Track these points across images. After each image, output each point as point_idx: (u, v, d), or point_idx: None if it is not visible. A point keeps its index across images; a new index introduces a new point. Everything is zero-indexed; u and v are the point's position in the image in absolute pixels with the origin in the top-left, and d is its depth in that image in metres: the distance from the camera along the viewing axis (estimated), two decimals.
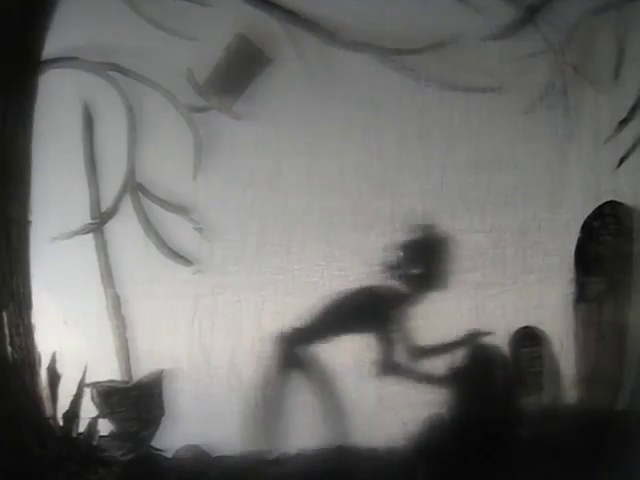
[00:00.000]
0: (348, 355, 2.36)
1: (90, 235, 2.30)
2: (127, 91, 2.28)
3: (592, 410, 2.40)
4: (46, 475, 2.25)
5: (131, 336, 2.30)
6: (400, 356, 2.36)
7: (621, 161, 2.42)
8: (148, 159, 2.31)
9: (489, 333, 2.38)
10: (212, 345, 2.30)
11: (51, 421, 2.27)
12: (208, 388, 2.30)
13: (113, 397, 2.30)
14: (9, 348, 2.21)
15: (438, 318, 2.37)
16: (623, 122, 2.42)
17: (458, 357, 2.37)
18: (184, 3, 2.28)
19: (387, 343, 2.36)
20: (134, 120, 2.29)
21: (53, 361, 2.27)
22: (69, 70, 2.26)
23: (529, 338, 2.40)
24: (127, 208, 2.30)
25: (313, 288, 2.34)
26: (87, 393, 2.30)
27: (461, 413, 2.38)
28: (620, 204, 2.43)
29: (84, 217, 2.30)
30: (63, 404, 2.28)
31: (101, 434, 2.30)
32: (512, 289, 2.39)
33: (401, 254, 2.36)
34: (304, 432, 2.34)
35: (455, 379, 2.37)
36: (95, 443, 2.29)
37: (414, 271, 2.38)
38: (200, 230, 2.31)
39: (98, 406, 2.30)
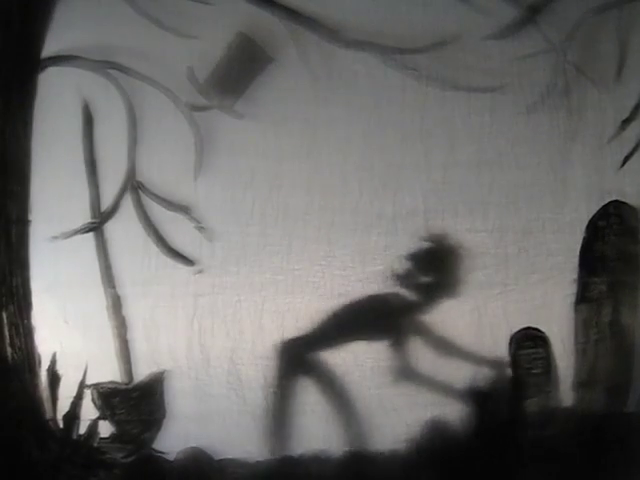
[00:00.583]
0: (350, 357, 2.38)
1: (90, 234, 2.32)
2: (128, 90, 2.31)
3: (598, 413, 2.41)
4: (46, 478, 2.26)
5: (131, 336, 2.32)
6: (418, 358, 2.38)
7: (625, 160, 2.44)
8: (149, 158, 2.33)
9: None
10: (212, 345, 2.32)
11: (51, 423, 2.28)
12: (207, 388, 2.31)
13: (114, 398, 2.31)
14: (9, 349, 2.22)
15: (439, 318, 2.39)
16: (626, 121, 2.44)
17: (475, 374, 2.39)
18: (185, 1, 2.31)
19: (401, 349, 2.37)
20: (134, 119, 2.31)
21: (53, 362, 2.29)
22: (69, 69, 2.29)
23: (531, 339, 2.41)
24: (127, 207, 2.32)
25: (314, 288, 2.36)
26: (87, 394, 2.31)
27: (465, 417, 2.40)
28: (624, 204, 2.45)
29: (84, 216, 2.32)
30: (63, 405, 2.29)
31: (102, 436, 2.31)
32: (515, 289, 2.40)
33: (411, 263, 2.38)
34: (311, 436, 2.36)
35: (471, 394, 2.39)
36: (96, 445, 2.30)
37: (424, 280, 2.39)
38: (201, 229, 2.33)
39: (99, 408, 2.31)
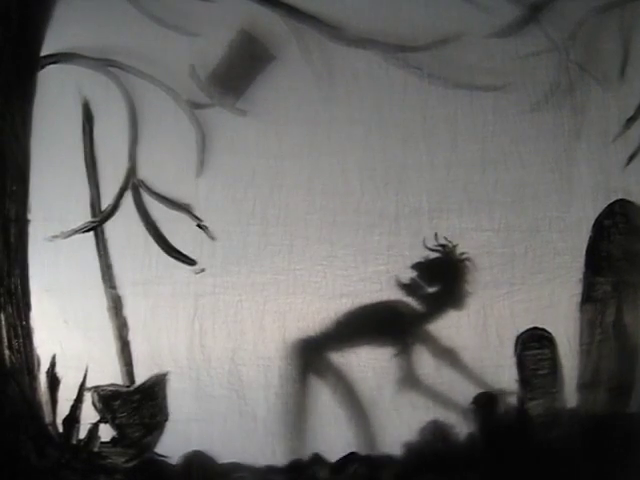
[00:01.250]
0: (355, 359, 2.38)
1: (90, 234, 2.33)
2: (128, 88, 2.33)
3: (602, 414, 2.40)
4: None
5: (131, 337, 2.33)
6: (423, 366, 2.38)
7: (630, 159, 2.45)
8: (149, 156, 2.35)
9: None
10: (213, 346, 2.32)
11: (50, 427, 2.28)
12: (209, 389, 2.31)
13: (115, 401, 2.31)
14: (7, 351, 2.23)
15: (444, 319, 2.39)
16: (631, 120, 2.46)
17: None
18: None
19: (406, 357, 2.37)
20: (135, 117, 2.33)
21: (52, 364, 2.29)
22: (69, 67, 2.31)
23: (537, 340, 2.41)
24: (128, 206, 2.34)
25: (315, 288, 2.36)
26: (88, 397, 2.31)
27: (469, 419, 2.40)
28: (630, 202, 2.45)
29: (84, 215, 2.33)
30: (63, 409, 2.29)
31: (102, 440, 2.31)
32: (521, 289, 2.40)
33: (418, 272, 2.39)
34: (322, 439, 2.36)
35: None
36: (96, 450, 2.29)
37: (431, 290, 2.40)
38: (203, 227, 2.34)
39: (99, 411, 2.31)
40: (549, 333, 2.41)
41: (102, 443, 2.30)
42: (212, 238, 2.34)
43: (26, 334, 2.25)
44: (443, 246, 2.39)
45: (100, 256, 2.32)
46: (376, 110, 2.40)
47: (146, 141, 2.34)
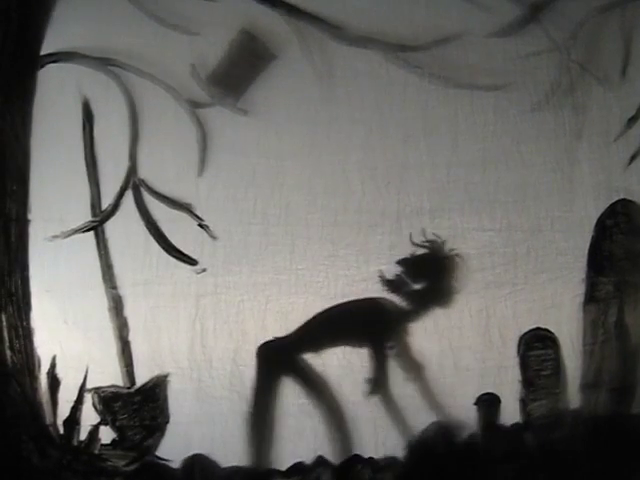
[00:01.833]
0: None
1: (91, 234, 2.34)
2: (129, 87, 2.35)
3: (605, 415, 2.41)
4: None
5: (132, 338, 2.33)
6: (394, 374, 2.38)
7: (632, 159, 2.47)
8: (150, 156, 2.36)
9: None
10: (214, 346, 2.33)
11: (51, 428, 2.27)
12: (210, 389, 2.32)
13: (115, 403, 2.31)
14: (8, 352, 2.23)
15: (446, 319, 2.40)
16: (632, 119, 2.48)
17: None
18: None
19: (381, 361, 2.38)
20: (135, 116, 2.35)
21: (53, 365, 2.29)
22: (69, 65, 2.33)
23: (540, 340, 2.42)
24: (128, 206, 2.35)
25: (317, 288, 2.37)
26: (88, 399, 2.31)
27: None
28: (631, 202, 2.47)
29: (84, 215, 2.34)
30: (63, 410, 2.29)
31: (103, 442, 2.31)
32: (524, 289, 2.42)
33: (404, 269, 2.40)
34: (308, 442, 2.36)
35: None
36: (97, 452, 2.29)
37: (417, 286, 2.41)
38: (204, 227, 2.35)
39: (100, 412, 2.31)
40: (552, 333, 2.42)
41: (102, 445, 2.30)
42: (213, 238, 2.36)
43: (27, 334, 2.26)
44: (431, 242, 2.40)
45: (100, 256, 2.33)
46: (377, 110, 2.42)
47: (147, 140, 2.36)
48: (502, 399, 2.40)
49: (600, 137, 2.47)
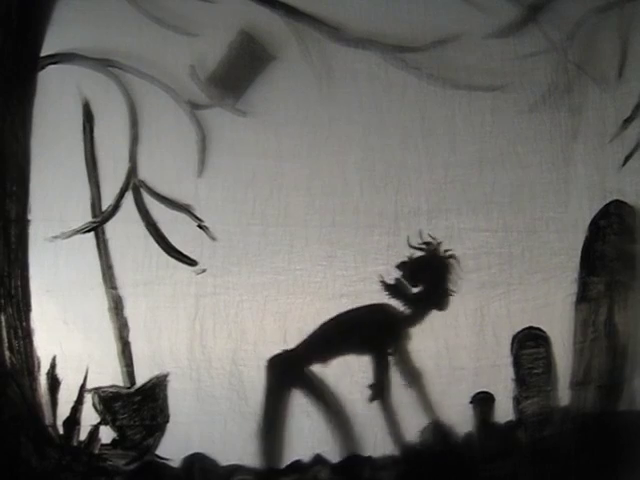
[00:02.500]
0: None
1: (91, 234, 2.36)
2: (128, 88, 2.35)
3: (594, 412, 2.48)
4: None
5: (132, 338, 2.36)
6: (394, 380, 2.42)
7: (626, 160, 2.51)
8: (150, 157, 2.37)
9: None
10: (214, 346, 2.36)
11: (51, 429, 2.30)
12: (209, 389, 2.35)
13: (115, 403, 2.34)
14: (7, 352, 2.25)
15: (441, 319, 2.45)
16: (628, 120, 2.52)
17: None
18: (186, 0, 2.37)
19: (384, 367, 2.42)
20: (135, 117, 2.36)
21: (53, 365, 2.31)
22: (69, 67, 2.33)
23: (532, 339, 2.47)
24: (128, 206, 2.37)
25: (316, 288, 2.41)
26: (88, 399, 2.33)
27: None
28: (624, 203, 2.52)
29: (84, 216, 2.36)
30: (63, 411, 2.32)
31: (103, 442, 2.34)
32: (518, 289, 2.46)
33: (403, 272, 2.43)
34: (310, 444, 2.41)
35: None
36: (97, 452, 2.32)
37: (415, 290, 2.45)
38: (204, 228, 2.37)
39: (100, 412, 2.34)
40: (544, 332, 2.47)
41: (103, 445, 2.33)
42: (212, 238, 2.38)
43: (26, 335, 2.27)
44: (427, 244, 2.44)
45: (101, 257, 2.35)
46: (375, 110, 2.44)
47: (146, 141, 2.37)
48: (496, 397, 2.45)
49: (596, 138, 2.51)
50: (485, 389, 2.45)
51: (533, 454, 2.44)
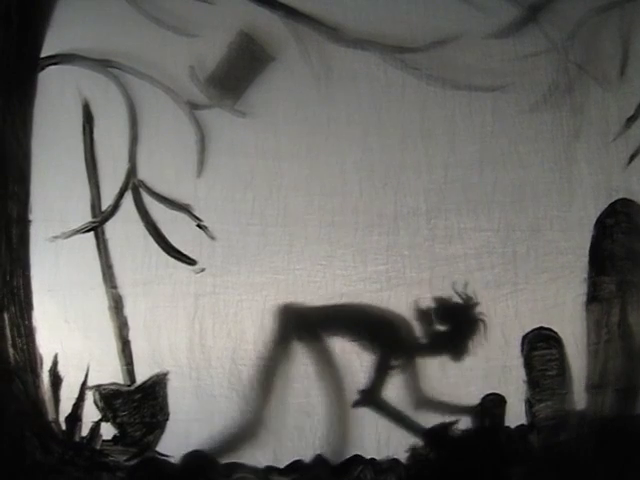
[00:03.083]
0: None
1: (91, 234, 2.39)
2: (128, 89, 2.39)
3: (612, 416, 2.43)
4: None
5: (132, 336, 2.38)
6: (402, 401, 2.41)
7: (631, 158, 2.50)
8: (149, 157, 2.41)
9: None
10: (213, 345, 2.37)
11: (53, 425, 2.32)
12: (209, 388, 2.36)
13: (116, 400, 2.36)
14: (11, 350, 2.28)
15: None
16: (631, 119, 2.50)
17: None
18: (186, 1, 2.40)
19: (380, 374, 2.41)
20: (135, 118, 2.39)
21: (55, 363, 2.34)
22: (69, 67, 2.38)
23: (544, 340, 2.44)
24: (128, 206, 2.40)
25: (315, 288, 2.41)
26: (89, 396, 2.36)
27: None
28: (631, 202, 2.49)
29: (85, 215, 2.39)
30: (65, 407, 2.34)
31: (104, 438, 2.36)
32: (526, 289, 2.44)
33: (436, 306, 2.42)
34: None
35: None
36: (98, 447, 2.34)
37: (439, 328, 2.43)
38: (203, 227, 2.39)
39: (101, 409, 2.36)
40: (556, 333, 2.43)
41: (104, 441, 2.35)
42: (212, 238, 2.40)
43: (29, 333, 2.31)
44: (468, 297, 2.43)
45: (101, 256, 2.38)
46: (375, 111, 2.46)
47: (146, 142, 2.40)
48: (507, 399, 2.42)
49: (599, 137, 2.50)
50: (496, 391, 2.42)
51: (548, 460, 2.40)
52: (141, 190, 2.39)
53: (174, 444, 2.35)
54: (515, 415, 2.43)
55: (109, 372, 2.37)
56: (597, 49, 2.51)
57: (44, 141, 2.37)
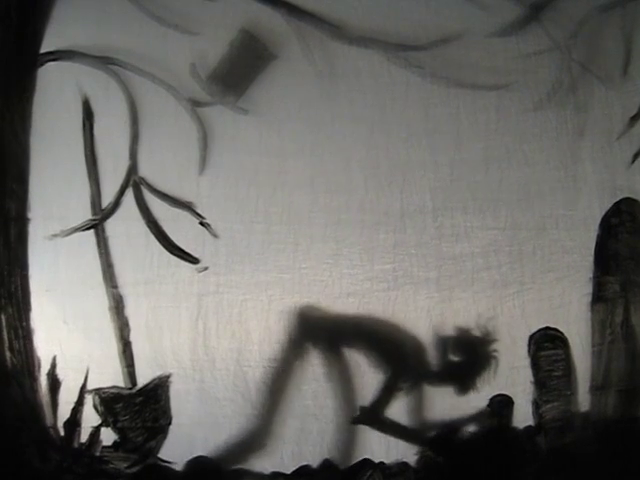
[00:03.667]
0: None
1: (91, 232, 2.34)
2: (129, 86, 2.36)
3: (615, 417, 2.41)
4: None
5: (133, 338, 2.32)
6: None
7: (635, 157, 2.50)
8: (150, 154, 2.37)
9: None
10: (217, 346, 2.32)
11: (52, 430, 2.26)
12: (213, 391, 2.31)
13: (116, 404, 2.29)
14: (8, 353, 2.22)
15: (454, 317, 2.41)
16: (634, 118, 2.50)
17: None
18: None
19: (385, 393, 2.37)
20: (136, 115, 2.36)
21: (53, 366, 2.28)
22: (69, 64, 2.35)
23: (550, 340, 2.41)
24: (129, 204, 2.36)
25: (321, 287, 2.37)
26: (89, 400, 2.30)
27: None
28: (635, 201, 2.49)
29: (85, 213, 2.35)
30: (64, 412, 2.28)
31: (104, 444, 2.29)
32: (532, 288, 2.42)
33: (454, 335, 2.40)
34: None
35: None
36: (98, 454, 2.27)
37: (450, 357, 2.41)
38: (206, 225, 2.36)
39: (101, 414, 2.29)
40: (562, 333, 2.41)
41: (104, 447, 2.28)
42: (215, 236, 2.36)
43: (26, 335, 2.25)
44: (486, 332, 2.40)
45: (101, 255, 2.33)
46: (379, 108, 2.44)
47: (147, 139, 2.37)
48: (515, 400, 2.39)
49: (603, 135, 2.49)
50: (503, 392, 2.39)
51: (554, 462, 2.37)
52: (142, 187, 2.36)
53: (177, 450, 2.29)
54: (523, 416, 2.40)
55: (109, 375, 2.31)
56: (600, 48, 2.51)
57: (43, 138, 2.33)
